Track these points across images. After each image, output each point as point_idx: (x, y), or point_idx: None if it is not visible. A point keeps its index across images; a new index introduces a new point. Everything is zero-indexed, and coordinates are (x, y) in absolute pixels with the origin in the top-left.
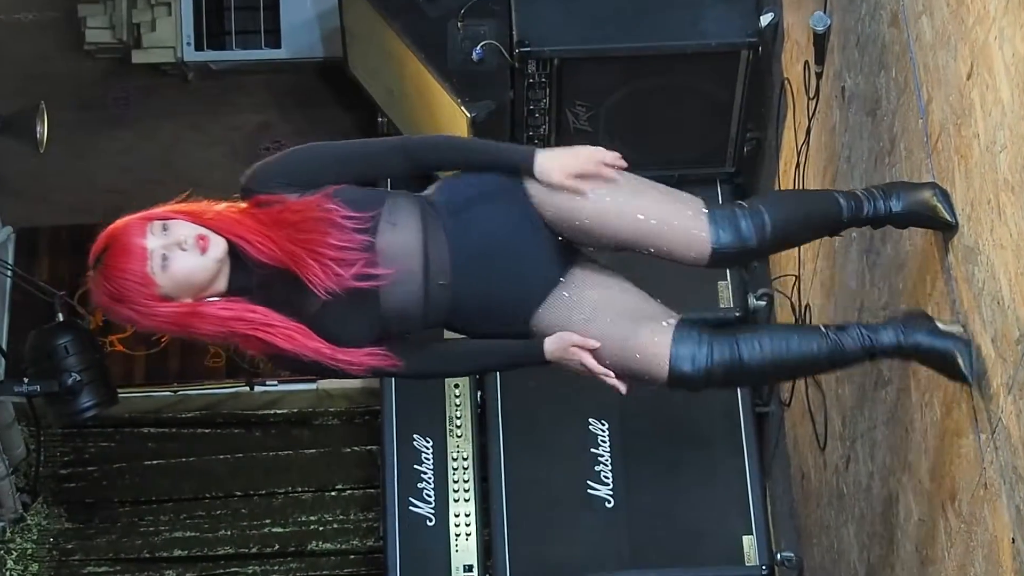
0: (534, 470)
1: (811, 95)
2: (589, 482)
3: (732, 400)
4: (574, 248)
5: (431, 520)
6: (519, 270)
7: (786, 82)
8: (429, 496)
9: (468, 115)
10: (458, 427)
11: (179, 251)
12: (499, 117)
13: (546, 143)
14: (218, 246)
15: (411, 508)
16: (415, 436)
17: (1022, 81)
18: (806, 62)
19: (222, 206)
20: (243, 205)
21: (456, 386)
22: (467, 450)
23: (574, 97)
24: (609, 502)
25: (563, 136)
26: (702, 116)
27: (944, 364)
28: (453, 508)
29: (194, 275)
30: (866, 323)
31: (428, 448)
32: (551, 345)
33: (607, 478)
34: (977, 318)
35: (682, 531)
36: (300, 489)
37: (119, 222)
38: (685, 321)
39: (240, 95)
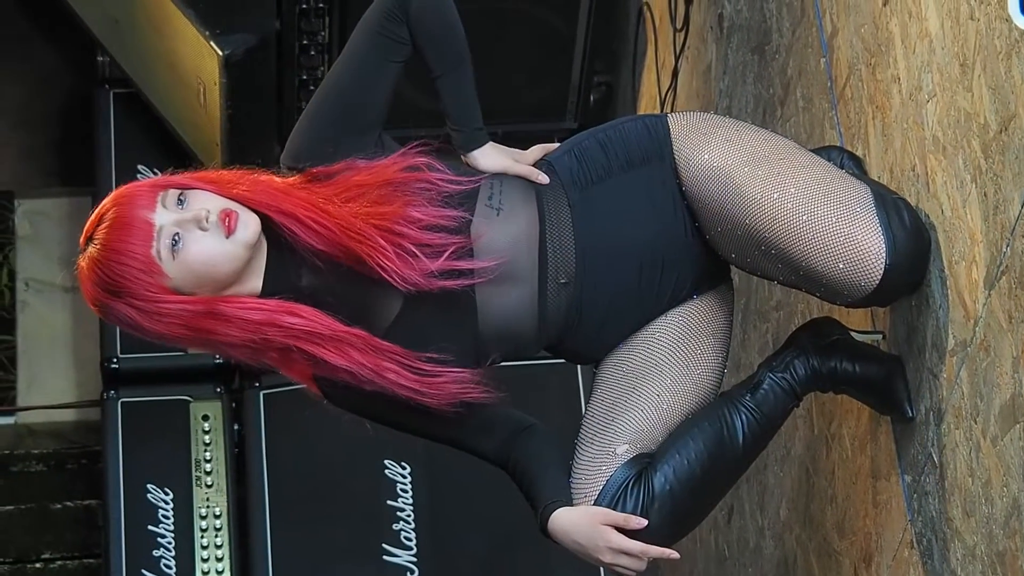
0: (311, 531)
1: (679, 26)
2: (385, 545)
3: (572, 434)
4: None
5: None
6: (657, 281)
7: (645, 8)
8: (169, 567)
9: (219, 53)
10: (208, 473)
11: (196, 230)
12: (262, 56)
13: None
14: (249, 226)
15: None
16: (150, 487)
17: (955, 8)
18: None
19: (262, 176)
20: (291, 178)
21: (205, 418)
22: (220, 505)
23: None
24: (412, 572)
25: None
26: (535, 53)
27: (876, 396)
28: None
29: (215, 264)
30: (771, 358)
31: (167, 503)
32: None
33: (409, 540)
34: (899, 322)
35: None
36: None
37: (123, 189)
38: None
39: None
